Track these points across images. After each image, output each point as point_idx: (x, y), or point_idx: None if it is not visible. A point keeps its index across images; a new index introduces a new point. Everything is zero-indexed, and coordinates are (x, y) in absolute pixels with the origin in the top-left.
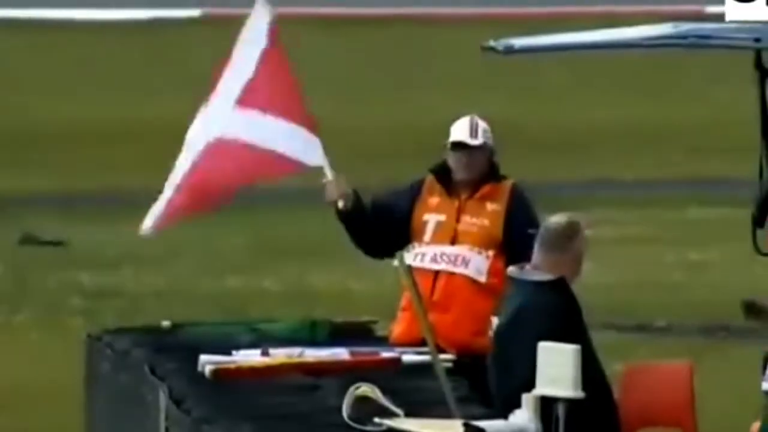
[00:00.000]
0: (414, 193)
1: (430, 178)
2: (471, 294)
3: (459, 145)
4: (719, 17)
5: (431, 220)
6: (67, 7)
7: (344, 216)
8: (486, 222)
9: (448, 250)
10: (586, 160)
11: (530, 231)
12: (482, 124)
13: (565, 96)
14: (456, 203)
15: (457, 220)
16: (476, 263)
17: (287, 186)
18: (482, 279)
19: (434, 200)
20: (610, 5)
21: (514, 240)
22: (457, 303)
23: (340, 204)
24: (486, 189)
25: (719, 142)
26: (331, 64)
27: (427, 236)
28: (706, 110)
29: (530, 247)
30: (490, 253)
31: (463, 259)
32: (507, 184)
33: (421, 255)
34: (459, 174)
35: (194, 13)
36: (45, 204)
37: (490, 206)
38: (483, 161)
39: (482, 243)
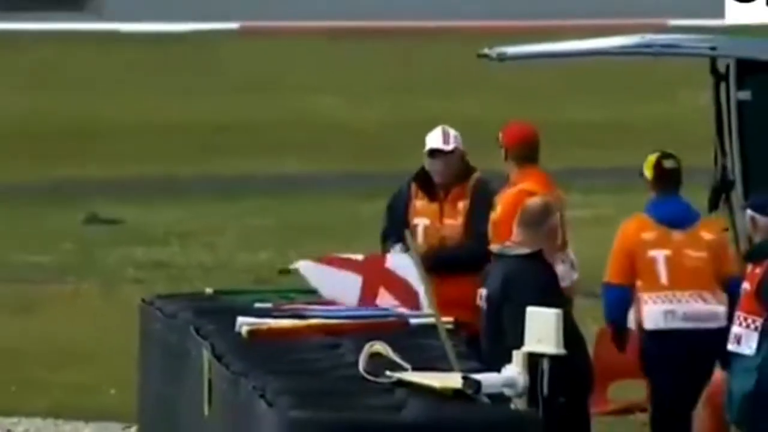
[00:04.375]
0: (404, 198)
1: (413, 184)
2: (455, 283)
3: (435, 152)
4: (680, 29)
5: (420, 224)
6: (128, 21)
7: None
8: (461, 220)
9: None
10: (565, 152)
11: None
12: (452, 132)
13: (550, 97)
14: (436, 206)
15: (440, 222)
16: None
17: (311, 176)
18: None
19: (419, 203)
20: (591, 19)
21: (471, 221)
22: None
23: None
24: (456, 190)
25: (682, 137)
26: (340, 70)
27: (420, 239)
28: (670, 109)
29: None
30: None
31: None
32: (472, 180)
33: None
34: (437, 177)
35: (233, 25)
36: (106, 189)
37: (461, 204)
38: (456, 163)
39: (461, 239)
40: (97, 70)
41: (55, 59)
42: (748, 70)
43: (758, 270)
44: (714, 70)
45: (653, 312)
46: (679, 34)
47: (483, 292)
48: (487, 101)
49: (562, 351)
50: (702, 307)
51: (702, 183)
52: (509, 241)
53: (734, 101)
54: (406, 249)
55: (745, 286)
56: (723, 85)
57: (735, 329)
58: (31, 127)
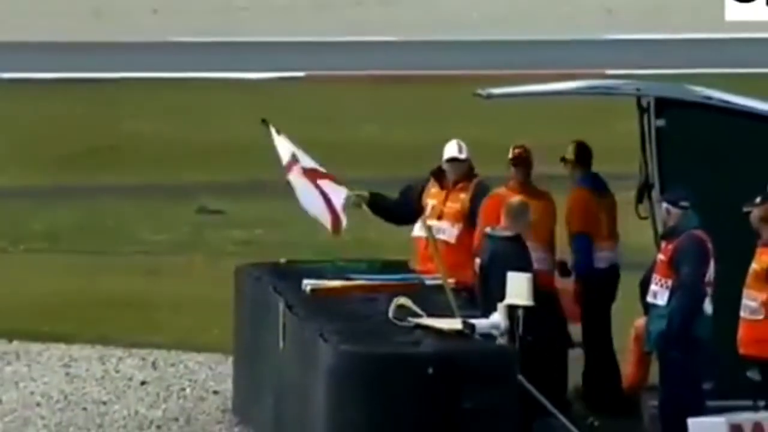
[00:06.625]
0: (421, 187)
1: (431, 178)
2: (445, 249)
3: (452, 160)
4: (616, 77)
5: (429, 203)
6: (215, 71)
7: (369, 208)
8: (458, 206)
9: (435, 224)
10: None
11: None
12: (464, 144)
13: (526, 124)
14: (444, 193)
15: (443, 204)
16: (449, 232)
17: (359, 180)
18: (453, 241)
19: (433, 190)
20: (555, 69)
21: (473, 217)
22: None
23: (362, 206)
24: (461, 185)
25: (617, 151)
26: (379, 105)
27: (427, 214)
28: (609, 132)
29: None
30: (460, 225)
31: (443, 230)
32: (475, 181)
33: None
34: (451, 176)
35: (300, 74)
36: (212, 188)
37: (461, 195)
38: (465, 168)
39: (455, 219)
40: (206, 106)
41: (171, 98)
42: (664, 105)
43: (670, 246)
44: (639, 104)
45: None
46: (615, 80)
47: (477, 261)
48: (481, 127)
49: (531, 303)
50: None
51: (632, 184)
52: (498, 227)
53: (653, 127)
54: (357, 199)
55: (661, 257)
56: (646, 116)
57: (652, 287)
58: (158, 145)
